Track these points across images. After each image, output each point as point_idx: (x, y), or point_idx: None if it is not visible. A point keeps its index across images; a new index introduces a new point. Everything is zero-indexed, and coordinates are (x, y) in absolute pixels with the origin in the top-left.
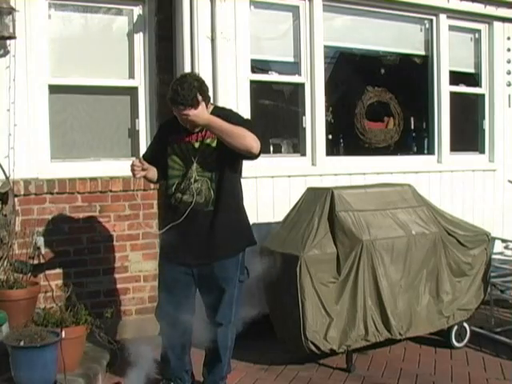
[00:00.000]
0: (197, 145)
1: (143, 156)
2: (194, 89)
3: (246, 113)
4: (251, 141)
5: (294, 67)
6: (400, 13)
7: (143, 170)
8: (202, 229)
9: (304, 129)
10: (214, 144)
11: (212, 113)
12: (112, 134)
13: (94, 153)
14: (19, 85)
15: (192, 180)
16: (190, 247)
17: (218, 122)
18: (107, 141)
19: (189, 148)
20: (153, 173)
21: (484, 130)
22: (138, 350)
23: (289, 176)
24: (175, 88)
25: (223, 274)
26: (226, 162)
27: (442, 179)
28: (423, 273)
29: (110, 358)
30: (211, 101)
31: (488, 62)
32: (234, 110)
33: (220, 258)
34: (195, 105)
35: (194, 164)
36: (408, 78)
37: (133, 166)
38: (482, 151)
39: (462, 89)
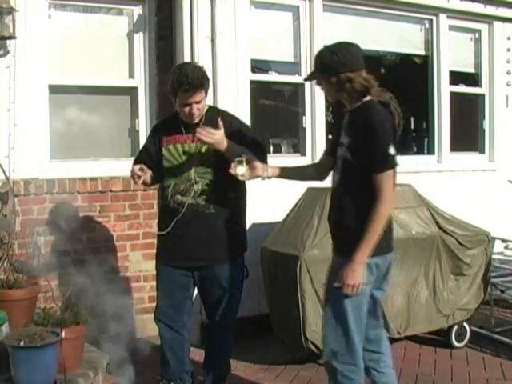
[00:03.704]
0: (196, 145)
1: (137, 158)
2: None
3: (246, 113)
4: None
5: (293, 67)
6: (400, 13)
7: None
8: (204, 231)
9: (304, 129)
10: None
11: (207, 112)
12: (112, 133)
13: (94, 153)
14: (19, 85)
15: (193, 181)
16: (191, 249)
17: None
18: (107, 141)
19: (187, 148)
20: (149, 175)
21: (484, 130)
22: (137, 350)
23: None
24: (184, 73)
25: (225, 276)
26: (228, 163)
27: (442, 179)
28: (422, 272)
29: (110, 358)
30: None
31: (488, 61)
32: (234, 110)
33: (222, 259)
34: (207, 87)
35: (194, 164)
36: (408, 77)
37: (134, 174)
38: (482, 151)
39: (462, 89)
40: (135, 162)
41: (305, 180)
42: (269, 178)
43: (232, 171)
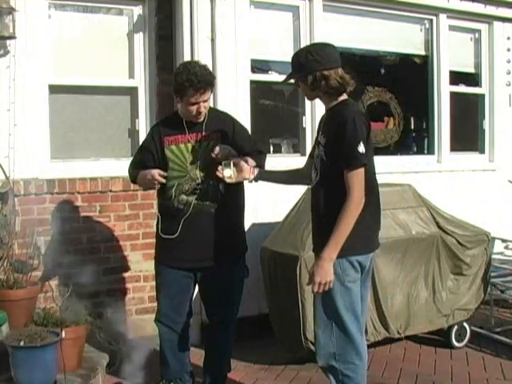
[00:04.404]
0: (199, 145)
1: (136, 160)
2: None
3: (246, 113)
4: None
5: None
6: (400, 13)
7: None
8: (208, 231)
9: (304, 129)
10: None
11: (211, 113)
12: (112, 133)
13: (94, 153)
14: (19, 85)
15: (198, 181)
16: (195, 250)
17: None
18: (107, 141)
19: (190, 148)
20: None
21: (484, 130)
22: (137, 350)
23: None
24: (194, 71)
25: (226, 276)
26: None
27: (442, 179)
28: (422, 272)
29: (110, 358)
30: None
31: (488, 61)
32: (234, 110)
33: (226, 260)
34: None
35: (199, 165)
36: (408, 77)
37: (154, 179)
38: (482, 151)
39: (462, 89)
40: (135, 164)
41: (294, 184)
42: (255, 181)
43: (219, 174)
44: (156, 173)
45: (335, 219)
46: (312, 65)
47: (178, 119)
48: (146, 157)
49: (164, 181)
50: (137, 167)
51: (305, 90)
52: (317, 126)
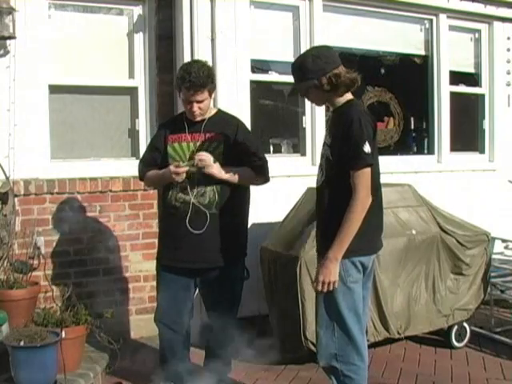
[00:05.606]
0: (201, 144)
1: (146, 158)
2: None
3: (246, 113)
4: (261, 182)
5: None
6: (400, 13)
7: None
8: (208, 231)
9: (304, 129)
10: (220, 147)
11: (216, 115)
12: (112, 134)
13: (94, 153)
14: (19, 85)
15: (196, 180)
16: (195, 251)
17: (230, 178)
18: (107, 141)
19: (192, 147)
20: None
21: (484, 130)
22: (137, 350)
23: (288, 176)
24: (189, 71)
25: (226, 277)
26: (233, 165)
27: (442, 179)
28: (422, 272)
29: (110, 358)
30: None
31: (488, 61)
32: (234, 110)
33: (226, 261)
34: (210, 88)
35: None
36: (408, 77)
37: (178, 174)
38: (482, 151)
39: (462, 89)
40: (145, 162)
41: None
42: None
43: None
44: (172, 168)
45: (340, 219)
46: (323, 67)
47: (182, 118)
48: (155, 154)
49: (185, 169)
50: (146, 164)
51: (317, 95)
52: (317, 126)
